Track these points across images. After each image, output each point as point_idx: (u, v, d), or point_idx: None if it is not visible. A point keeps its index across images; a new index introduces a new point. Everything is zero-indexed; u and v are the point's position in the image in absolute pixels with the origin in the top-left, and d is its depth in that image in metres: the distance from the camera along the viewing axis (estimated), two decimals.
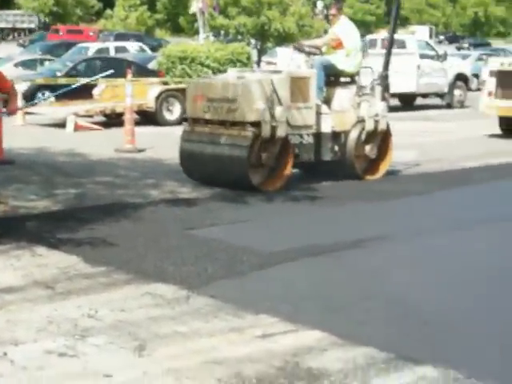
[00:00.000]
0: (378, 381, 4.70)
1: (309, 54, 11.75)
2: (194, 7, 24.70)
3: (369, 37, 28.63)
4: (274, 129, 10.40)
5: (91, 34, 55.83)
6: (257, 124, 10.32)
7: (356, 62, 11.80)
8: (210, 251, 7.43)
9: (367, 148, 11.61)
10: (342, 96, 11.59)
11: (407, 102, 25.86)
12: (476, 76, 32.29)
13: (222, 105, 10.54)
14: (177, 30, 78.22)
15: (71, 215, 8.91)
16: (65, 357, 4.94)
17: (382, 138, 11.82)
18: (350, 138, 11.45)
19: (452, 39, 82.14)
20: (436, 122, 21.42)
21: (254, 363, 4.88)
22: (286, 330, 5.50)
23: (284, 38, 33.85)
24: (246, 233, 8.47)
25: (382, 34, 29.08)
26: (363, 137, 11.54)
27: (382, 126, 11.71)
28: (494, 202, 10.60)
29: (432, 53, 26.11)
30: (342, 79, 11.89)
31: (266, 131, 10.34)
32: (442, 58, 25.73)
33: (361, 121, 11.53)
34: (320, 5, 65.38)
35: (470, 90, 27.59)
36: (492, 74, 17.86)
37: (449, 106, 25.74)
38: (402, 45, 25.53)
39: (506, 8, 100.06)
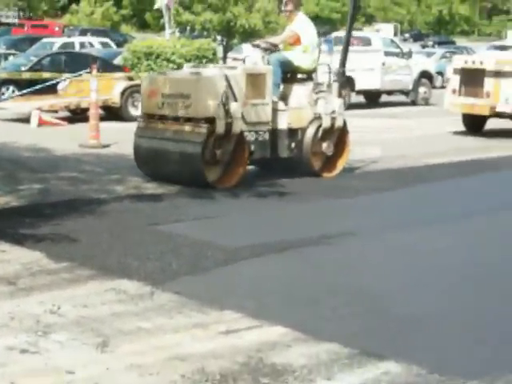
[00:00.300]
0: (341, 376, 4.70)
1: (265, 50, 11.56)
2: (160, 3, 24.55)
3: (334, 34, 28.71)
4: (228, 125, 10.28)
5: (56, 28, 55.39)
6: (211, 120, 10.20)
7: (313, 58, 11.72)
8: (174, 247, 7.40)
9: (324, 145, 11.53)
10: (299, 93, 11.52)
11: (372, 98, 25.98)
12: (440, 74, 32.51)
13: (176, 100, 10.42)
14: (143, 26, 77.91)
15: (35, 211, 8.84)
16: (27, 353, 4.89)
17: (338, 135, 11.76)
18: (307, 134, 11.38)
19: (417, 37, 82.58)
20: (400, 119, 21.53)
21: (218, 359, 4.87)
22: (251, 326, 5.49)
23: (250, 35, 33.82)
24: (212, 229, 8.44)
25: None
26: (320, 134, 11.48)
27: (338, 123, 11.65)
28: (456, 198, 10.67)
29: (397, 50, 26.27)
30: (299, 76, 11.81)
31: (220, 127, 10.21)
32: (407, 55, 25.89)
33: (317, 118, 11.46)
34: None
35: (434, 87, 27.78)
36: (456, 71, 17.98)
37: (413, 103, 25.88)
38: (368, 42, 25.67)
39: (470, 6, 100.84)
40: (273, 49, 11.61)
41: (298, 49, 11.57)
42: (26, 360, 4.80)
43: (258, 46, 11.70)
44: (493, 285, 6.71)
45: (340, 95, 11.93)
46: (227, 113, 10.22)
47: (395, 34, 61.56)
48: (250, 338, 5.29)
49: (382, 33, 37.80)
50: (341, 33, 29.72)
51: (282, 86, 11.45)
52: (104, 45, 33.80)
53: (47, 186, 10.41)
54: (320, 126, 11.45)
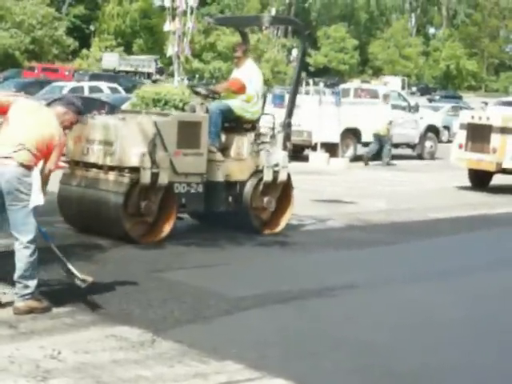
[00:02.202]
0: None
1: (206, 97, 10.79)
2: (170, 50, 24.76)
3: (342, 86, 28.89)
4: (155, 176, 9.53)
5: (66, 73, 55.85)
6: (136, 169, 9.51)
7: (256, 108, 10.90)
8: (177, 294, 7.38)
9: (265, 200, 10.77)
10: (240, 143, 10.77)
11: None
12: (447, 128, 32.62)
13: (100, 147, 9.73)
14: None
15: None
16: None
17: (282, 190, 10.98)
18: (246, 188, 10.62)
19: (424, 91, 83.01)
20: (406, 172, 21.57)
21: None
22: (251, 378, 5.46)
23: None
24: (214, 277, 8.42)
25: (355, 84, 29.33)
26: (261, 188, 10.71)
27: (282, 177, 10.84)
28: (459, 254, 10.66)
29: (404, 104, 26.39)
30: (241, 126, 10.94)
31: (145, 178, 9.47)
32: (414, 109, 26.01)
33: (259, 170, 10.71)
34: (295, 52, 66.06)
35: (440, 141, 27.85)
36: (462, 126, 18.06)
37: (419, 156, 25.94)
38: (375, 94, 25.78)
39: (478, 62, 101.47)
40: (213, 96, 10.87)
41: (240, 97, 10.80)
42: None
43: (197, 93, 10.90)
44: (492, 339, 6.69)
45: (285, 147, 11.10)
46: (154, 162, 9.51)
47: (403, 88, 61.94)
48: None
49: (389, 86, 37.99)
50: (348, 85, 29.96)
51: (221, 136, 10.77)
52: (113, 90, 34.04)
53: (50, 229, 10.38)
54: (261, 179, 10.70)
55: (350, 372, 5.68)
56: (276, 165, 10.80)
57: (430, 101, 59.20)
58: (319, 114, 22.01)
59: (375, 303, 7.71)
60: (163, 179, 9.65)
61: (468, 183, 18.21)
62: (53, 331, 6.17)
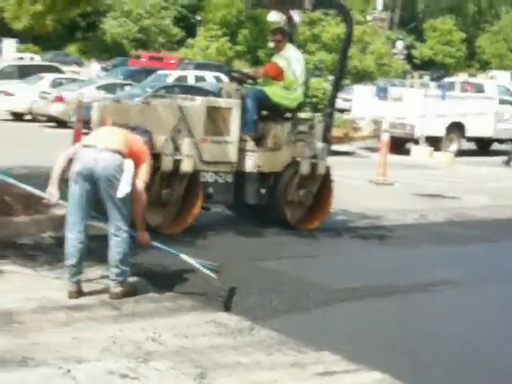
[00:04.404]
0: None
1: (241, 82, 10.26)
2: None
3: (448, 79, 28.48)
4: (177, 163, 9.09)
5: (172, 61, 56.58)
6: (158, 156, 8.87)
7: (295, 96, 10.22)
8: (275, 284, 7.43)
9: (301, 193, 10.18)
10: (276, 132, 10.11)
11: (483, 146, 25.56)
12: None
13: None
14: (255, 62, 78.82)
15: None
16: (126, 378, 4.99)
17: (320, 184, 10.38)
18: (281, 181, 10.05)
19: None
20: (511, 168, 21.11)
21: None
22: (348, 369, 5.47)
23: (362, 76, 33.90)
24: (314, 268, 8.44)
25: (462, 77, 28.87)
26: (296, 180, 10.14)
27: (320, 170, 10.24)
28: None
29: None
30: (278, 114, 10.35)
31: (166, 165, 9.01)
32: None
33: (295, 162, 10.13)
34: (400, 45, 65.28)
35: None
36: None
37: None
38: (481, 89, 25.33)
39: None
40: (249, 81, 10.43)
41: (279, 84, 10.15)
42: None
43: (233, 78, 10.40)
44: None
45: (325, 139, 10.51)
46: (177, 149, 9.07)
47: None
48: (347, 381, 5.27)
49: (497, 80, 37.25)
50: (454, 78, 29.51)
51: (256, 124, 10.07)
52: (217, 79, 34.33)
53: None
54: (297, 171, 10.13)
55: (447, 367, 5.62)
56: (314, 156, 10.21)
57: None
58: (424, 107, 21.75)
59: (476, 300, 7.61)
60: (187, 167, 9.17)
61: None
62: (154, 314, 6.30)
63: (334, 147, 20.66)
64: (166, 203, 9.24)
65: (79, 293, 6.64)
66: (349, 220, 11.30)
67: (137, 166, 6.68)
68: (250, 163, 9.84)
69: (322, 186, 10.41)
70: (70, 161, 6.74)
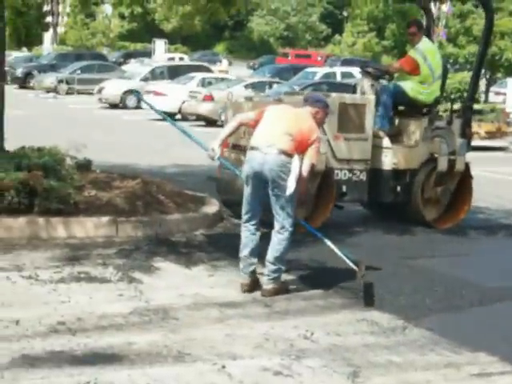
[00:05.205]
0: None
1: (376, 77, 10.02)
2: None
3: None
4: None
5: (319, 58, 56.69)
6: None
7: (432, 90, 9.97)
8: (428, 282, 7.32)
9: (439, 191, 9.92)
10: (412, 128, 9.92)
11: None
12: None
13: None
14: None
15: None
16: (280, 375, 5.02)
17: (459, 181, 10.06)
18: (417, 178, 9.80)
19: None
20: None
21: None
22: (505, 371, 5.33)
23: None
24: (467, 266, 8.26)
25: None
26: (434, 177, 9.87)
27: (458, 167, 9.92)
28: None
29: None
30: (415, 109, 10.13)
31: None
32: None
33: (432, 159, 9.88)
34: None
35: None
36: None
37: None
38: None
39: None
40: (384, 76, 10.21)
41: (415, 79, 9.94)
42: (279, 382, 4.93)
43: (367, 73, 10.08)
44: None
45: (464, 134, 10.15)
46: None
47: None
48: (504, 382, 5.13)
49: None
50: None
51: (393, 120, 9.98)
52: None
53: None
54: (435, 168, 9.87)
55: None
56: (452, 153, 9.89)
57: None
58: None
59: None
60: (318, 164, 8.54)
61: None
62: (305, 312, 6.31)
63: (486, 143, 20.39)
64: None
65: (252, 286, 6.78)
66: (503, 217, 11.05)
67: (304, 150, 6.67)
68: (386, 160, 9.67)
69: (461, 183, 10.12)
70: (240, 125, 7.13)
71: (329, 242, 7.05)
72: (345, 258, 6.93)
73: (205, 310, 6.21)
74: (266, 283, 6.73)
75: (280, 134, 6.67)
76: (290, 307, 6.42)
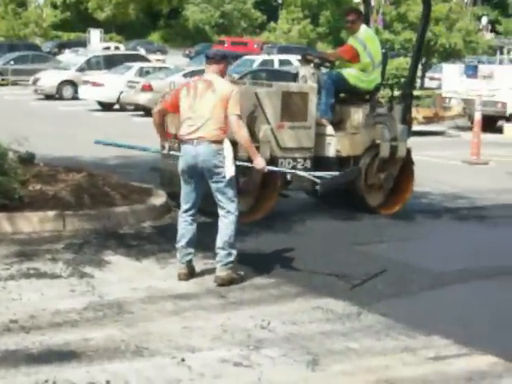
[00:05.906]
0: None
1: (317, 65, 10.00)
2: None
3: None
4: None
5: (255, 46, 56.66)
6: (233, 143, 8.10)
7: (372, 77, 9.99)
8: (379, 268, 7.37)
9: (382, 177, 10.01)
10: (354, 116, 9.90)
11: None
12: None
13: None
14: (338, 44, 78.42)
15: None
16: (240, 366, 5.02)
17: (401, 167, 10.20)
18: (360, 164, 9.74)
19: None
20: None
21: None
22: (459, 354, 5.41)
23: (449, 54, 33.33)
24: (415, 251, 8.36)
25: None
26: (376, 164, 9.94)
27: (400, 153, 10.05)
28: None
29: None
30: (356, 96, 10.16)
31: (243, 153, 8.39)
32: None
33: (375, 145, 9.92)
34: (484, 20, 63.97)
35: None
36: None
37: None
38: None
39: None
40: (326, 65, 10.18)
41: (355, 66, 9.93)
42: (239, 373, 4.93)
43: (309, 62, 10.04)
44: None
45: (404, 120, 10.26)
46: (253, 136, 8.47)
47: None
48: (460, 365, 5.21)
49: None
50: None
51: (334, 108, 9.92)
52: None
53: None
54: (377, 154, 9.93)
55: None
56: (394, 139, 9.98)
57: None
58: None
59: None
60: (262, 154, 8.47)
61: None
62: (260, 302, 6.32)
63: (424, 127, 20.65)
64: (241, 191, 8.57)
65: (189, 275, 6.85)
66: (446, 201, 11.18)
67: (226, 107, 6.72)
68: (329, 148, 9.65)
69: (403, 168, 10.22)
70: (161, 115, 7.24)
71: (300, 172, 7.63)
72: (312, 177, 7.20)
73: (159, 302, 6.18)
74: (220, 269, 6.75)
75: (204, 123, 6.71)
76: (244, 297, 6.42)
